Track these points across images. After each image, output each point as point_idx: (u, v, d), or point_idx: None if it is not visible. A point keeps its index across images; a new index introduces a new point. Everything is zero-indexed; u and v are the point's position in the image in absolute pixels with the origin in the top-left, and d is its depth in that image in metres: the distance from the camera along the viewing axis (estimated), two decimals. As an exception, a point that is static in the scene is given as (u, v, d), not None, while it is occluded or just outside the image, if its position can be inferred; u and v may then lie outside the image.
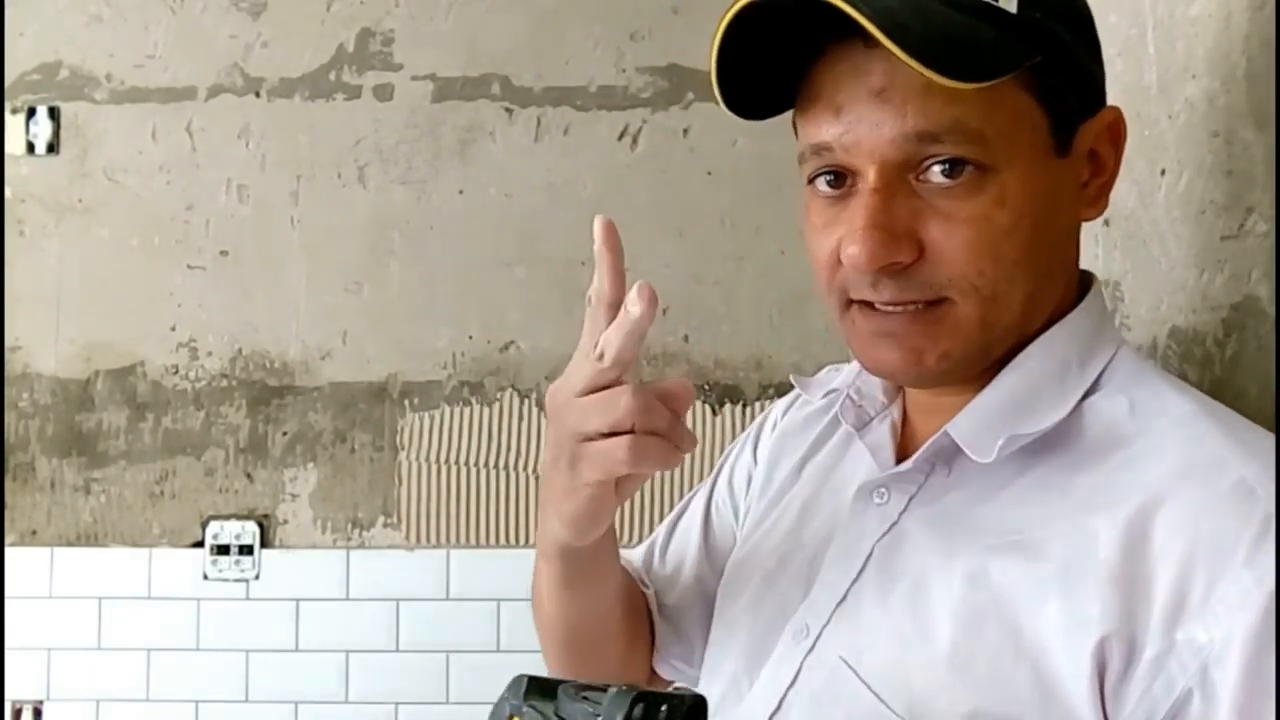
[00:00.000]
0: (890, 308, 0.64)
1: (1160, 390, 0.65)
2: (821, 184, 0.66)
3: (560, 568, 0.80)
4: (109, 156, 2.30)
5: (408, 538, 2.27)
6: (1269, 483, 0.57)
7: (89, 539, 2.26)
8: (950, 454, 0.67)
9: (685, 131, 2.28)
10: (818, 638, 0.69)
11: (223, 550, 2.25)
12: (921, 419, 0.73)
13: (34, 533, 2.27)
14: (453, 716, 2.20)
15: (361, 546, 2.26)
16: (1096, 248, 1.03)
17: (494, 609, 2.23)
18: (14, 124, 2.29)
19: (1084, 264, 1.05)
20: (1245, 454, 0.59)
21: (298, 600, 2.25)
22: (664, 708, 0.56)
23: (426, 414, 2.28)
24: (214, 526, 2.25)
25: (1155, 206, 0.91)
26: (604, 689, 0.58)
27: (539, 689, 0.61)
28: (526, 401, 2.28)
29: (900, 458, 0.73)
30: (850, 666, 0.66)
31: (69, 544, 2.26)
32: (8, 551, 2.20)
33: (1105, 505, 0.60)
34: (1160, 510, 0.58)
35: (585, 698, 0.59)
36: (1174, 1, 0.88)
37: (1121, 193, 0.97)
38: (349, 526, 2.27)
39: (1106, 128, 0.67)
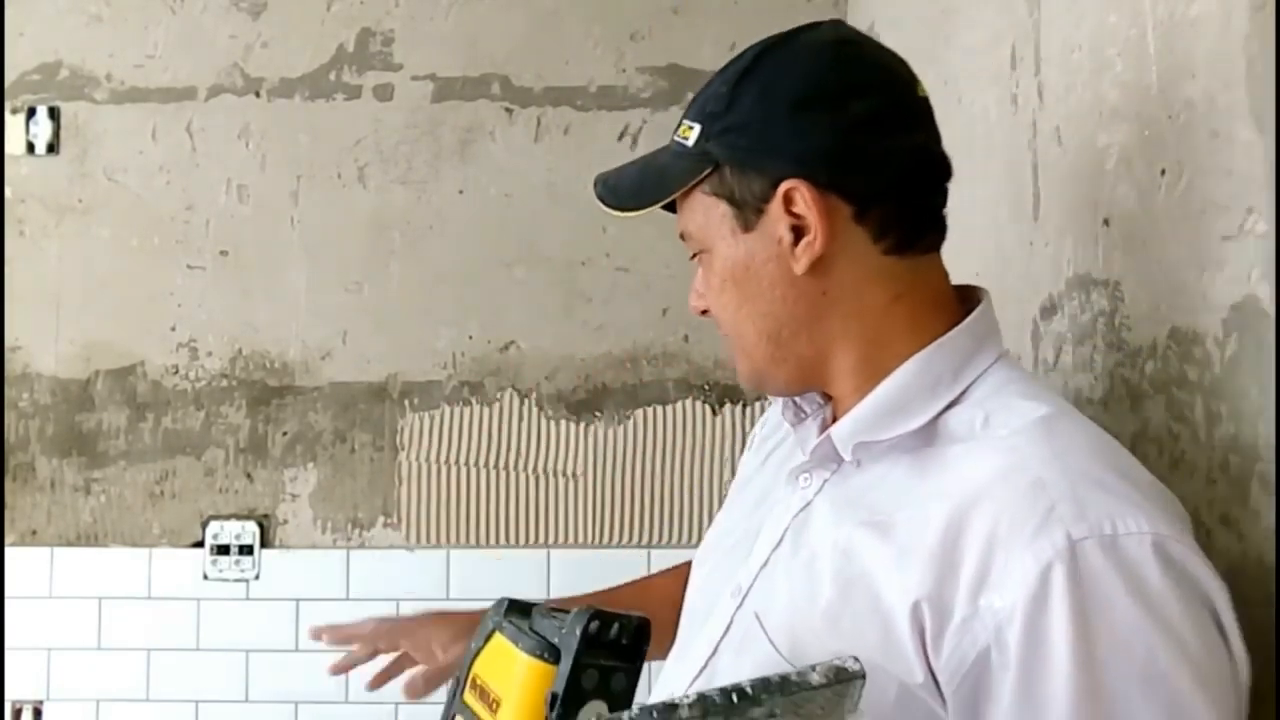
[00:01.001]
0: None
1: (1012, 404, 0.78)
2: None
3: None
4: (109, 156, 2.30)
5: (408, 538, 2.27)
6: (1062, 480, 0.70)
7: (89, 539, 2.27)
8: (835, 454, 0.83)
9: (685, 131, 2.28)
10: (745, 596, 0.85)
11: (223, 550, 2.25)
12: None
13: (34, 533, 2.27)
14: (453, 716, 2.20)
15: (361, 546, 2.27)
16: (1096, 248, 1.03)
17: (494, 609, 2.22)
18: (14, 124, 2.29)
19: (1084, 265, 1.05)
20: (1049, 457, 0.72)
21: (298, 600, 2.25)
22: (615, 625, 0.68)
23: (426, 414, 2.28)
24: (214, 526, 2.25)
25: (1155, 206, 0.91)
26: (569, 611, 0.70)
27: (518, 609, 0.74)
28: (526, 401, 2.28)
29: None
30: (759, 621, 0.82)
31: (69, 544, 2.26)
32: (8, 551, 2.20)
33: (942, 497, 0.74)
34: (976, 507, 0.72)
35: (554, 616, 0.70)
36: (1174, 1, 0.88)
37: (1121, 193, 0.98)
38: (349, 526, 2.27)
39: (785, 199, 0.81)
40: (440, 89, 2.30)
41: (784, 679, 0.63)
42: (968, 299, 0.85)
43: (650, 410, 2.28)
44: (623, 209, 0.90)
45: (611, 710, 0.68)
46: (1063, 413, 0.77)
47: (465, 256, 2.29)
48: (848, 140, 0.81)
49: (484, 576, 2.24)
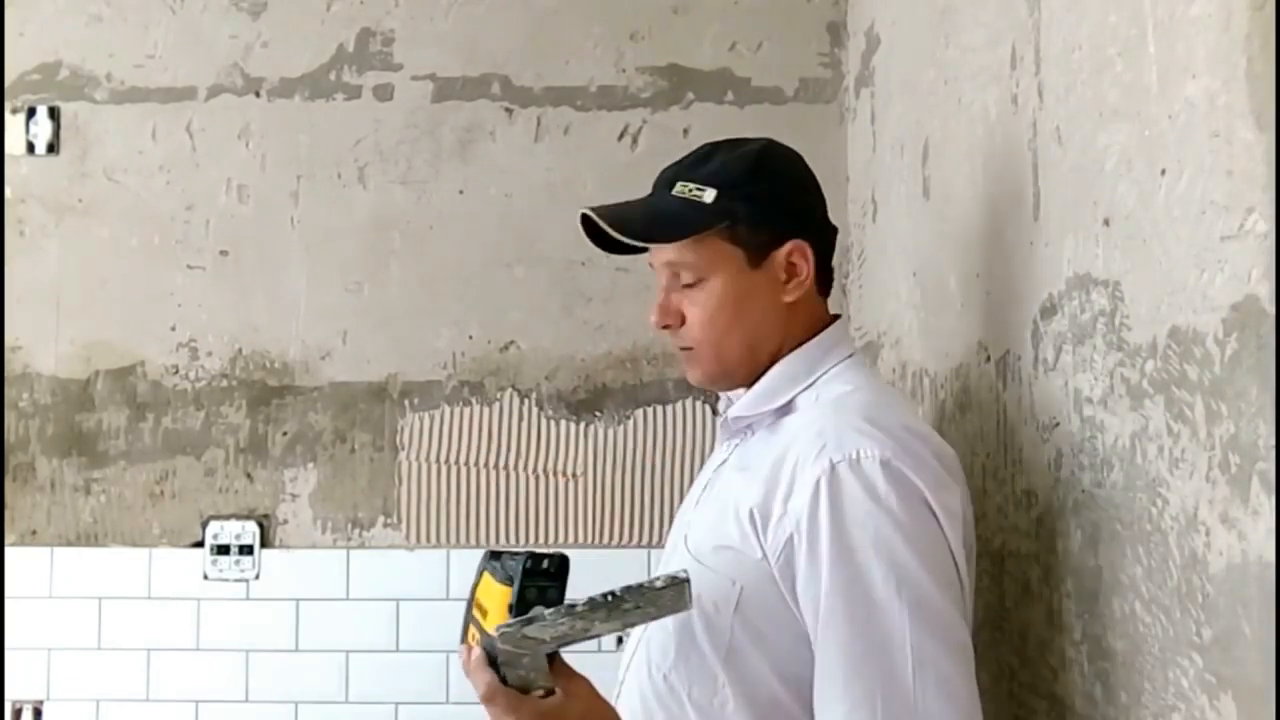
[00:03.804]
0: (681, 350, 1.23)
1: (834, 387, 1.17)
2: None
3: None
4: (109, 156, 2.30)
5: (408, 538, 2.27)
6: (831, 429, 1.09)
7: (89, 539, 2.27)
8: (733, 427, 1.23)
9: (685, 131, 2.28)
10: (687, 535, 1.21)
11: (223, 550, 2.25)
12: None
13: (34, 533, 2.27)
14: (453, 716, 2.20)
15: (361, 546, 2.27)
16: (1096, 248, 1.03)
17: (494, 609, 2.22)
18: (14, 124, 2.29)
19: (1084, 265, 1.06)
20: (831, 416, 1.12)
21: (298, 600, 2.25)
22: (546, 560, 1.03)
23: (426, 414, 2.28)
24: (214, 526, 2.26)
25: (1155, 206, 0.91)
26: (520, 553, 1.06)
27: (495, 555, 1.10)
28: (526, 401, 2.28)
29: None
30: (686, 541, 1.19)
31: (69, 544, 2.26)
32: (8, 551, 2.20)
33: (777, 445, 1.14)
34: (790, 448, 1.11)
35: (514, 557, 1.06)
36: (1174, 1, 0.88)
37: (1121, 193, 0.98)
38: (349, 526, 2.27)
39: (791, 251, 1.18)
40: (440, 89, 2.30)
41: (640, 585, 0.98)
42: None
43: (650, 410, 2.28)
44: (637, 239, 1.18)
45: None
46: (858, 389, 1.17)
47: (465, 256, 2.29)
48: (821, 220, 1.23)
49: (484, 576, 2.24)
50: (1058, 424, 1.13)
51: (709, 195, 1.17)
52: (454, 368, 2.29)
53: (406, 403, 2.28)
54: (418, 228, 2.29)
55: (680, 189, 1.19)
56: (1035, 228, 1.19)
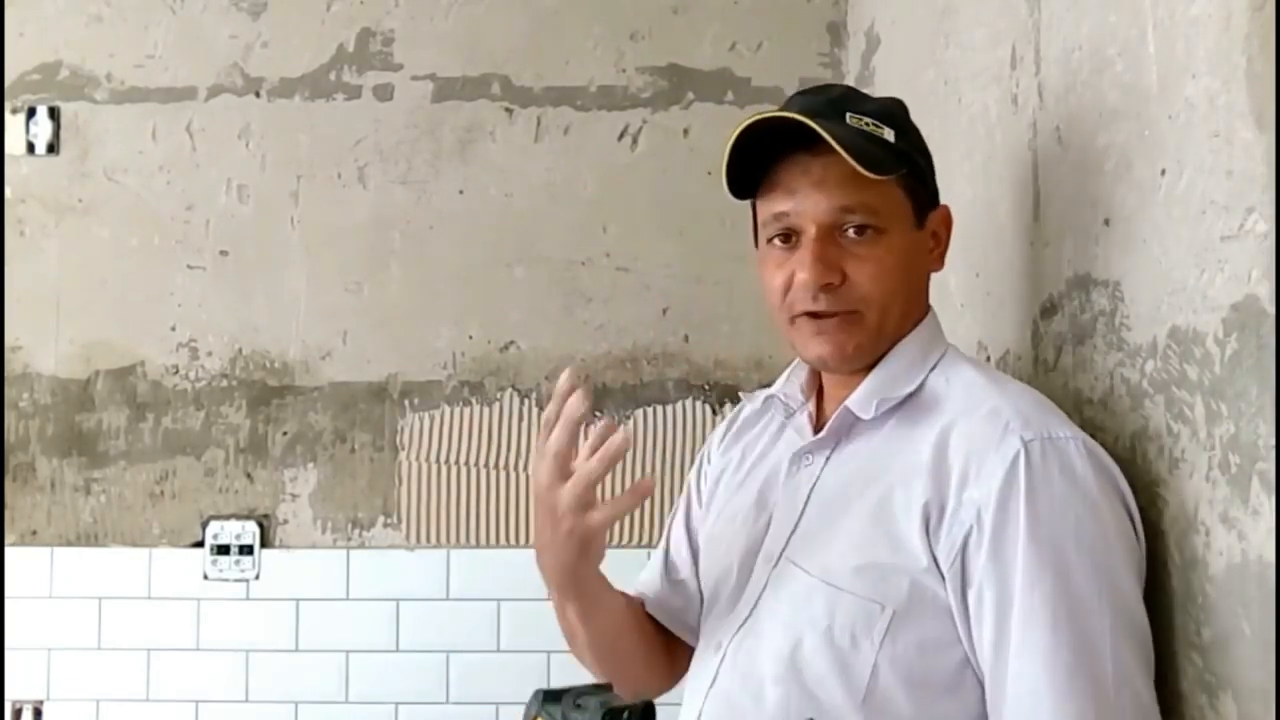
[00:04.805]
0: (824, 316, 1.02)
1: (962, 370, 1.04)
2: (777, 241, 1.04)
3: (576, 603, 1.19)
4: (109, 156, 2.30)
5: (408, 538, 2.27)
6: (1008, 407, 0.95)
7: (89, 539, 2.27)
8: (850, 423, 1.04)
9: (685, 131, 2.28)
10: (779, 558, 1.04)
11: (223, 550, 2.25)
12: (830, 405, 1.10)
13: (34, 533, 2.27)
14: (453, 716, 2.20)
15: (361, 546, 2.27)
16: (1096, 248, 1.03)
17: (494, 609, 2.23)
18: (14, 124, 2.29)
19: (1084, 265, 1.06)
20: (997, 395, 0.98)
21: (298, 600, 2.25)
22: (625, 714, 0.86)
23: (426, 414, 2.28)
24: (214, 526, 2.25)
25: (1155, 206, 0.91)
26: (591, 693, 0.87)
27: (551, 698, 0.91)
28: (526, 401, 2.28)
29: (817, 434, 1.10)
30: (795, 563, 1.03)
31: (69, 544, 2.26)
32: (8, 551, 2.20)
33: (926, 434, 0.99)
34: (953, 430, 0.97)
35: (578, 706, 0.87)
36: (1174, 1, 0.88)
37: (1121, 193, 0.98)
38: (349, 526, 2.27)
39: (942, 218, 1.08)
40: (440, 89, 2.30)
41: None
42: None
43: (650, 410, 2.28)
44: (863, 164, 0.97)
45: None
46: (995, 373, 1.07)
47: (465, 256, 2.29)
48: None
49: (484, 576, 2.24)
50: (1058, 424, 1.13)
51: (889, 134, 1.02)
52: (454, 368, 2.29)
53: (406, 403, 2.28)
54: (418, 228, 2.29)
55: (854, 120, 1.01)
56: (1035, 228, 1.19)
